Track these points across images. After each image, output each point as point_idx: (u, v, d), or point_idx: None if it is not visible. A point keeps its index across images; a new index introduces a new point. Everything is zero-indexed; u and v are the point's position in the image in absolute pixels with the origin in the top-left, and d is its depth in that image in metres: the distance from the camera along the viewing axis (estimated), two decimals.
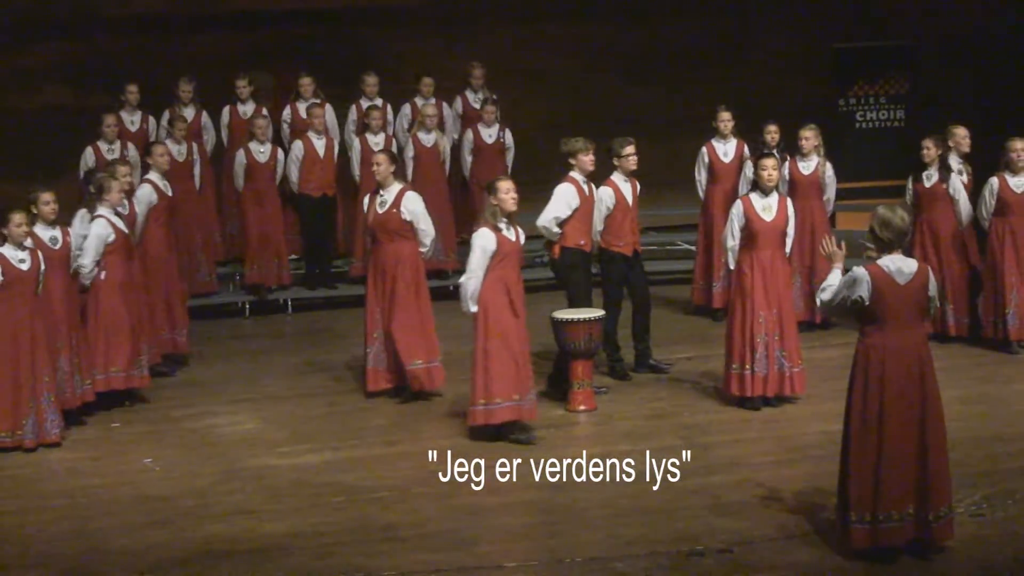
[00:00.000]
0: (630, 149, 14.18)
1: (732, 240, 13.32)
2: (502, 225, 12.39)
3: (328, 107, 18.09)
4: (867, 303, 9.45)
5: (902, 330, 9.49)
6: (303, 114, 18.01)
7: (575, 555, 9.94)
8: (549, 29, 20.75)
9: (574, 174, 13.87)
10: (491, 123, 18.18)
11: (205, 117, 18.25)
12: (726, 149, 16.47)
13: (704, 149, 16.55)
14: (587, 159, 13.89)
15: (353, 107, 18.47)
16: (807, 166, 15.80)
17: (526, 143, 18.30)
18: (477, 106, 18.61)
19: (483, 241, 12.33)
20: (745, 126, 16.38)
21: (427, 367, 13.71)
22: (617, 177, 14.19)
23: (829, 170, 15.87)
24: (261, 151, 17.40)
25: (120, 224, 13.75)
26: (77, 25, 19.19)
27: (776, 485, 11.13)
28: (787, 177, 15.95)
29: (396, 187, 13.84)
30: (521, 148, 18.21)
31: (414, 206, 13.82)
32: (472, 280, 12.30)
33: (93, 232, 13.54)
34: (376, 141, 17.49)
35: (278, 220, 17.70)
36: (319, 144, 17.53)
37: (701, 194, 16.67)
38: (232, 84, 18.42)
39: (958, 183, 15.09)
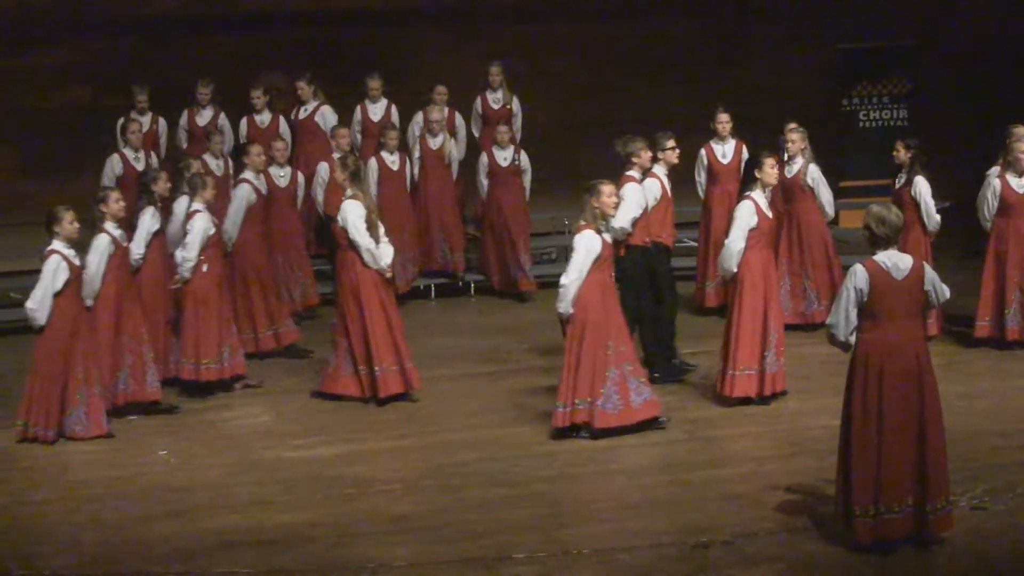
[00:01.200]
0: (671, 143, 14.30)
1: (743, 243, 13.20)
2: (602, 227, 12.39)
3: (326, 108, 17.95)
4: (865, 298, 9.56)
5: (899, 325, 9.58)
6: (301, 115, 17.91)
7: (582, 547, 10.04)
8: (556, 30, 20.83)
9: (632, 173, 13.83)
10: (505, 145, 17.55)
11: (223, 118, 17.98)
12: (724, 150, 16.37)
13: (703, 151, 16.44)
14: (647, 156, 13.92)
15: (358, 108, 18.22)
16: (791, 168, 15.67)
17: (535, 143, 18.24)
18: (496, 107, 18.28)
19: (589, 243, 12.24)
20: (750, 125, 16.39)
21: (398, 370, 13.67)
22: (659, 170, 14.25)
23: (814, 172, 15.60)
24: (281, 175, 16.43)
25: (215, 219, 14.08)
26: (96, 25, 19.27)
27: (780, 478, 11.23)
28: (704, 163, 16.26)
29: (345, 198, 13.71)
30: (530, 147, 17.97)
31: (345, 215, 13.57)
32: (576, 282, 12.21)
33: (197, 226, 13.78)
34: (392, 160, 17.22)
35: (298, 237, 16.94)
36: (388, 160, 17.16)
37: (701, 195, 16.62)
38: (248, 84, 18.35)
39: (923, 187, 15.07)
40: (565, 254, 18.80)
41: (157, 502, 11.25)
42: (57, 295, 12.56)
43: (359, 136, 18.03)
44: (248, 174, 15.33)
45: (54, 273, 12.55)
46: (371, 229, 13.52)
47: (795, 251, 15.77)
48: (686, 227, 17.20)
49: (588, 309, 12.25)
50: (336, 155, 16.10)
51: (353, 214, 13.46)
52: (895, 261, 9.62)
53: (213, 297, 13.96)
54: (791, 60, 20.90)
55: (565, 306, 12.28)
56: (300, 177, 16.84)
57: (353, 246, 13.47)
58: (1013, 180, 14.72)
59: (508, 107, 18.26)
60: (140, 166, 16.72)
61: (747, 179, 13.48)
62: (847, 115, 20.11)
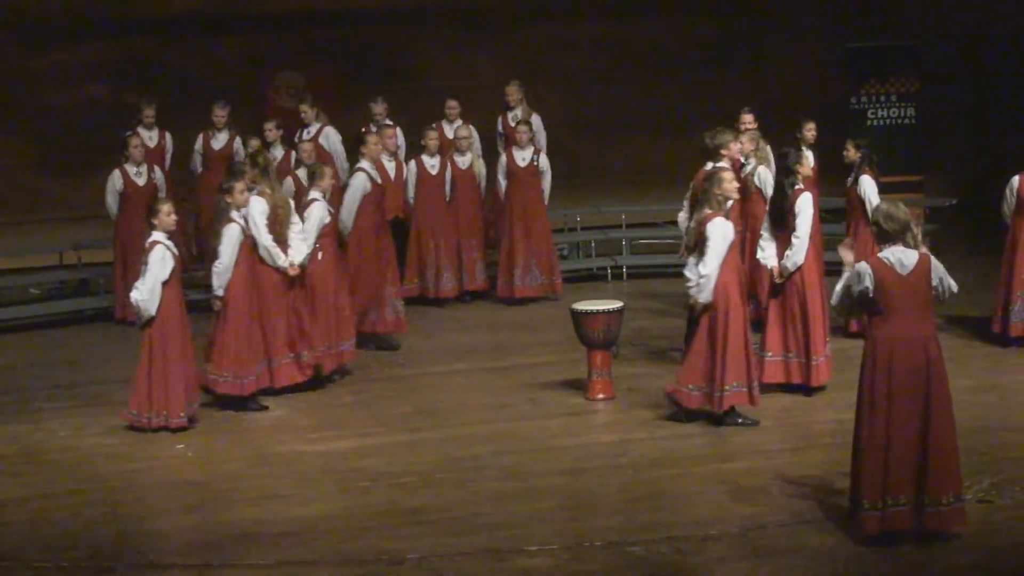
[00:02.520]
0: (729, 136, 14.43)
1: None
2: (727, 213, 12.50)
3: (330, 128, 17.67)
4: (871, 295, 9.63)
5: (907, 320, 9.65)
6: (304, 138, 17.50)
7: (594, 539, 10.11)
8: (571, 29, 20.89)
9: (723, 164, 13.84)
10: (524, 145, 17.38)
11: (238, 143, 17.58)
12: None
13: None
14: (736, 148, 14.03)
15: (364, 130, 17.60)
16: (744, 169, 15.50)
17: (550, 140, 18.33)
18: (515, 124, 17.94)
19: (724, 230, 12.33)
20: (759, 124, 16.38)
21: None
22: (726, 165, 14.36)
23: (763, 174, 15.36)
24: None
25: (331, 209, 14.24)
26: (114, 25, 19.35)
27: (790, 472, 11.30)
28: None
29: None
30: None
31: (248, 210, 13.57)
32: (717, 270, 12.30)
33: (313, 215, 13.96)
34: (432, 164, 17.14)
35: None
36: (390, 166, 16.92)
37: None
38: (265, 81, 18.34)
39: (867, 187, 15.07)
40: (576, 251, 19.06)
41: (174, 495, 11.36)
42: (164, 284, 12.73)
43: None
44: (364, 164, 15.39)
45: (161, 263, 12.71)
46: (278, 226, 13.66)
47: (747, 250, 15.85)
48: None
49: (729, 294, 12.40)
50: (384, 158, 16.17)
51: (255, 210, 13.60)
52: (899, 257, 9.68)
53: (329, 284, 14.14)
54: (800, 59, 20.96)
55: (707, 295, 12.37)
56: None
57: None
58: None
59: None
60: (142, 181, 16.68)
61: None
62: (856, 113, 20.17)
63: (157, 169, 17.12)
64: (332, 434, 12.80)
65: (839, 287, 9.88)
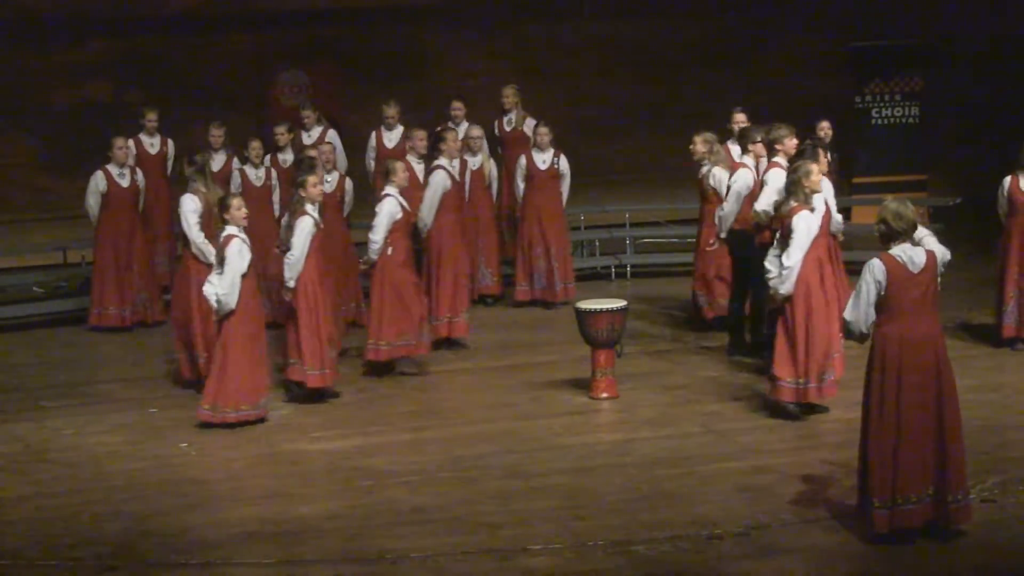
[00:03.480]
0: (760, 136, 14.45)
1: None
2: (814, 206, 12.57)
3: (332, 132, 17.49)
4: (882, 292, 9.63)
5: (916, 318, 9.66)
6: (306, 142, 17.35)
7: (597, 538, 10.11)
8: (566, 28, 20.91)
9: (778, 159, 13.87)
10: (545, 147, 17.09)
11: (236, 163, 17.10)
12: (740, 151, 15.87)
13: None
14: (791, 144, 13.95)
15: (373, 134, 17.72)
16: (701, 171, 15.70)
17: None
18: (508, 128, 17.84)
19: (810, 223, 12.38)
20: (765, 122, 16.33)
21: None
22: (749, 160, 14.34)
23: (718, 175, 15.36)
24: (327, 180, 15.71)
25: (405, 204, 14.28)
26: (117, 24, 19.37)
27: (794, 470, 11.32)
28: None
29: None
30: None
31: (180, 208, 14.10)
32: (800, 262, 12.34)
33: (384, 210, 14.08)
34: (452, 165, 16.43)
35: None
36: (419, 168, 16.41)
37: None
38: (268, 81, 18.29)
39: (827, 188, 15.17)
40: (579, 250, 19.04)
41: (177, 494, 11.35)
42: (242, 277, 12.85)
43: (372, 163, 17.56)
44: (443, 161, 15.39)
45: (239, 255, 12.83)
46: (215, 223, 13.69)
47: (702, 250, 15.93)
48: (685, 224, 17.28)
49: (811, 286, 12.47)
50: (410, 157, 16.00)
51: (187, 208, 13.89)
52: (911, 255, 9.70)
53: (402, 279, 14.22)
54: (805, 58, 20.99)
55: (789, 287, 12.39)
56: (348, 183, 16.38)
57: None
58: None
59: (520, 129, 17.77)
60: (125, 182, 16.55)
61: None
62: (860, 112, 20.19)
63: (139, 171, 16.90)
64: (335, 433, 12.80)
65: (851, 302, 9.82)
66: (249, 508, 10.99)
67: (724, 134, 16.12)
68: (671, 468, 11.60)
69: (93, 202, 16.64)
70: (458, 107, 17.88)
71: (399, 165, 14.50)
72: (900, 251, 9.71)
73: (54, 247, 18.49)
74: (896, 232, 9.75)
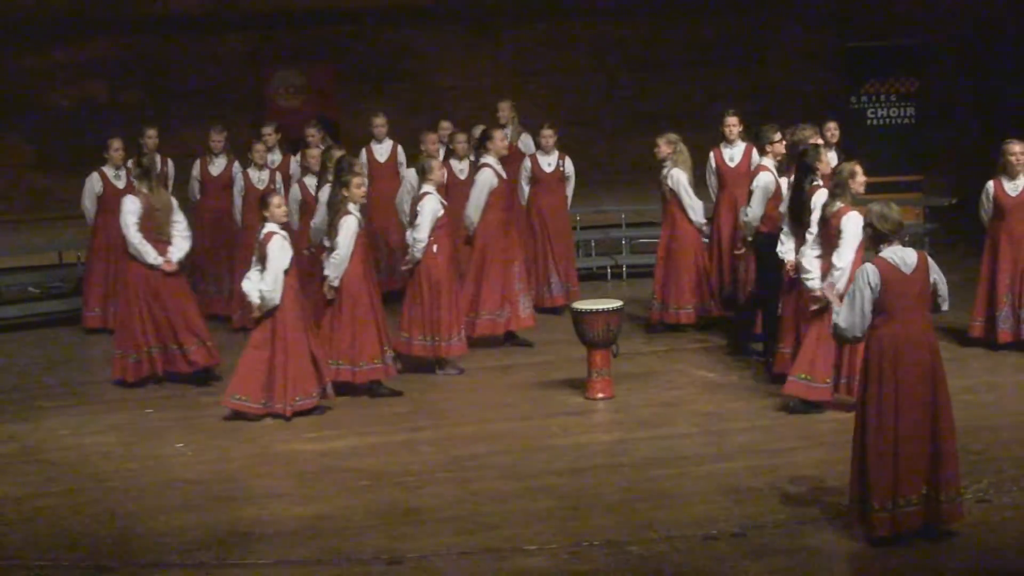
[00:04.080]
0: (778, 136, 14.56)
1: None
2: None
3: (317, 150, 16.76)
4: (876, 295, 9.61)
5: (911, 318, 9.66)
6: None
7: (593, 539, 10.11)
8: (568, 27, 20.89)
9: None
10: (549, 150, 17.09)
11: (236, 168, 17.15)
12: (732, 154, 16.13)
13: (711, 154, 16.25)
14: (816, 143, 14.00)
15: (364, 151, 17.52)
16: (662, 173, 15.86)
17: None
18: (505, 142, 17.13)
19: (858, 223, 12.27)
20: (759, 123, 16.32)
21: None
22: (769, 161, 14.37)
23: (678, 177, 15.64)
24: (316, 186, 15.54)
25: (444, 202, 14.36)
26: (113, 24, 19.35)
27: (789, 471, 11.32)
28: (713, 167, 16.17)
29: None
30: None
31: (120, 208, 14.33)
32: (852, 263, 12.43)
33: (426, 208, 14.14)
34: (461, 167, 16.61)
35: None
36: (458, 169, 16.50)
37: (713, 199, 16.40)
38: (264, 81, 18.22)
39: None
40: (578, 249, 19.03)
41: (173, 495, 11.34)
42: (285, 273, 13.03)
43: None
44: (490, 159, 15.38)
45: (281, 251, 13.01)
46: (157, 225, 14.11)
47: (666, 250, 15.93)
48: None
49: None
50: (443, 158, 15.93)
51: (127, 209, 14.12)
52: (902, 256, 9.70)
53: (444, 278, 14.26)
54: (800, 58, 20.99)
55: (843, 287, 12.33)
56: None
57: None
58: (1007, 184, 14.68)
59: (515, 144, 17.43)
60: (121, 184, 16.55)
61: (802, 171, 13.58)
62: (855, 113, 20.21)
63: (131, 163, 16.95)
64: (331, 433, 12.80)
65: (844, 308, 9.79)
66: (244, 509, 10.97)
67: (718, 137, 16.10)
68: (667, 468, 11.60)
69: (89, 204, 16.64)
70: (445, 126, 17.62)
71: (435, 163, 14.57)
72: (891, 253, 9.71)
73: (50, 247, 18.50)
74: (883, 234, 9.75)
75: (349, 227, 13.49)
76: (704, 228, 15.79)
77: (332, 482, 11.52)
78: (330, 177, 14.23)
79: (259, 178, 16.65)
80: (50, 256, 18.51)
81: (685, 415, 13.04)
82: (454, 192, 15.96)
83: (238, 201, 16.73)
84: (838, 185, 12.73)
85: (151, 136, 17.20)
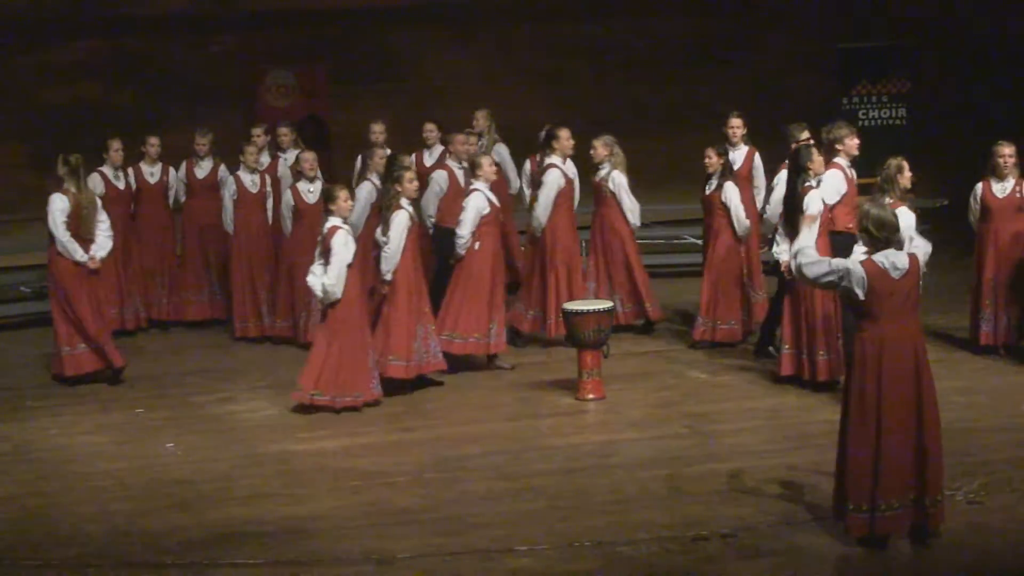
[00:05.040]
0: (807, 134, 14.61)
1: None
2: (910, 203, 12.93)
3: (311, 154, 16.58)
4: (861, 298, 9.59)
5: (897, 322, 9.61)
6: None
7: (584, 539, 10.11)
8: (559, 29, 20.88)
9: (839, 160, 13.92)
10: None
11: (223, 171, 16.98)
12: (735, 157, 15.85)
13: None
14: (852, 143, 14.01)
15: (359, 158, 16.89)
16: (599, 174, 15.78)
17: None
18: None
19: (909, 219, 12.63)
20: (752, 123, 16.29)
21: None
22: (842, 160, 14.26)
23: (617, 179, 15.53)
24: (311, 190, 15.82)
25: (494, 199, 14.42)
26: (107, 24, 19.34)
27: (780, 472, 11.32)
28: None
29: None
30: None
31: (48, 206, 14.50)
32: None
33: (472, 204, 14.24)
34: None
35: None
36: (459, 173, 15.81)
37: None
38: (257, 82, 18.15)
39: (731, 193, 15.10)
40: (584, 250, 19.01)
41: (163, 494, 11.33)
42: (348, 267, 13.18)
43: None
44: (555, 159, 15.36)
45: (345, 246, 13.15)
46: (82, 223, 14.32)
47: (599, 255, 15.86)
48: (690, 223, 17.25)
49: None
50: (451, 162, 15.89)
51: (54, 207, 14.30)
52: (893, 260, 9.64)
53: (485, 275, 14.28)
54: (792, 59, 21.00)
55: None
56: None
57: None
58: (996, 185, 14.65)
59: (490, 154, 16.42)
60: (120, 185, 16.61)
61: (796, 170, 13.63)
62: (847, 114, 20.23)
63: (131, 171, 16.87)
64: (322, 433, 12.80)
65: (826, 266, 9.76)
66: (235, 509, 10.96)
67: (721, 138, 16.00)
68: (657, 469, 11.60)
69: None
70: (430, 128, 17.26)
71: (486, 159, 14.58)
72: (883, 257, 9.66)
73: (42, 247, 18.45)
74: (878, 240, 9.71)
75: (401, 221, 13.61)
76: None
77: (323, 482, 11.52)
78: (366, 175, 14.84)
79: (252, 181, 16.50)
80: (40, 256, 18.44)
81: (676, 416, 13.05)
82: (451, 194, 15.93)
83: (229, 206, 16.51)
84: (886, 180, 12.89)
85: (153, 144, 17.01)
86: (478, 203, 14.30)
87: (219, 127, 17.55)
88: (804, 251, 9.89)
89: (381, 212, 13.88)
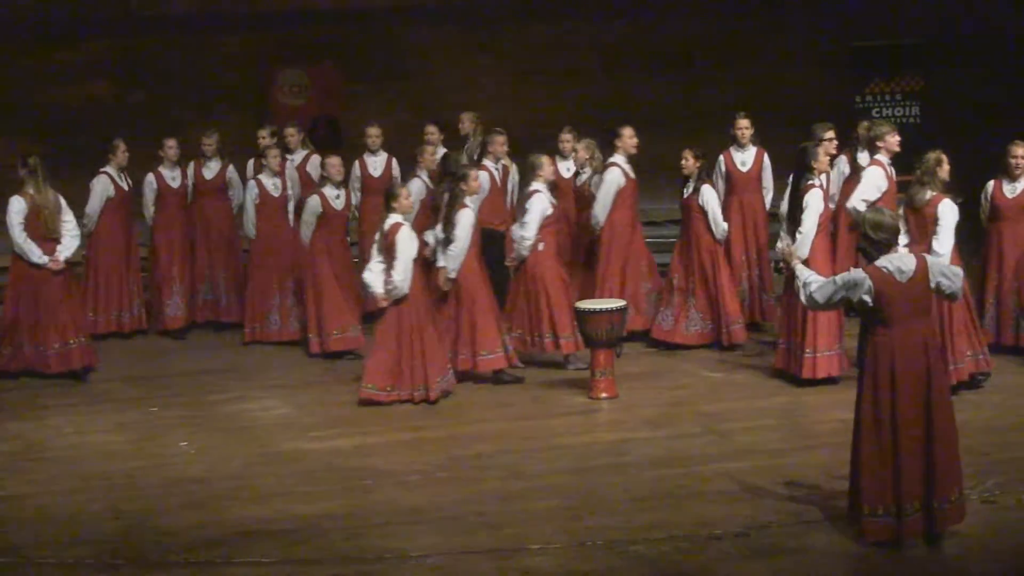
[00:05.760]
0: (831, 134, 14.69)
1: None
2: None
3: (316, 157, 16.74)
4: (870, 304, 9.58)
5: (908, 326, 9.58)
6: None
7: (596, 538, 10.11)
8: (564, 27, 20.89)
9: (880, 157, 14.02)
10: (568, 155, 16.37)
11: (231, 172, 16.99)
12: (744, 158, 15.86)
13: (721, 158, 15.93)
14: (893, 140, 14.10)
15: (356, 163, 17.01)
16: (581, 177, 15.75)
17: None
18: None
19: (955, 210, 12.97)
20: (762, 122, 16.25)
21: None
22: (883, 158, 14.28)
23: (598, 182, 15.34)
24: (338, 196, 15.57)
25: (553, 199, 14.49)
26: (116, 23, 19.37)
27: (793, 471, 11.31)
28: (723, 171, 15.89)
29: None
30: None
31: (7, 208, 14.62)
32: (951, 250, 12.89)
33: (535, 206, 14.25)
34: (497, 167, 16.21)
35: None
36: (496, 170, 16.09)
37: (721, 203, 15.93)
38: (268, 80, 18.16)
39: (709, 195, 14.96)
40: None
41: (177, 493, 11.35)
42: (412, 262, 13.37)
43: (358, 193, 16.79)
44: (617, 158, 15.34)
45: (410, 241, 13.33)
46: (43, 224, 14.40)
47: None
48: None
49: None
50: (488, 162, 15.92)
51: (12, 209, 14.45)
52: (898, 264, 9.62)
53: (550, 276, 14.37)
54: (805, 57, 20.98)
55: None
56: (354, 198, 16.21)
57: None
58: (1007, 185, 14.65)
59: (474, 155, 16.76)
60: (125, 186, 16.54)
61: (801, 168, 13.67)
62: (860, 112, 20.19)
63: (153, 177, 16.74)
64: (335, 432, 12.82)
65: (832, 286, 9.79)
66: (249, 507, 10.98)
67: (721, 131, 16.02)
68: (670, 468, 11.60)
69: (99, 206, 16.49)
70: (431, 131, 16.99)
71: (546, 159, 14.58)
72: (887, 261, 9.63)
73: None
74: (878, 244, 9.69)
75: (467, 219, 13.77)
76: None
77: (335, 481, 11.52)
78: (417, 173, 15.22)
79: (274, 184, 16.25)
80: None
81: (689, 415, 13.05)
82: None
83: (251, 210, 16.18)
84: (926, 173, 13.05)
85: (171, 146, 16.74)
86: (542, 204, 14.30)
87: (230, 128, 17.56)
88: (808, 282, 9.96)
89: (441, 210, 14.00)
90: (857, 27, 20.97)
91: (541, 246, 14.31)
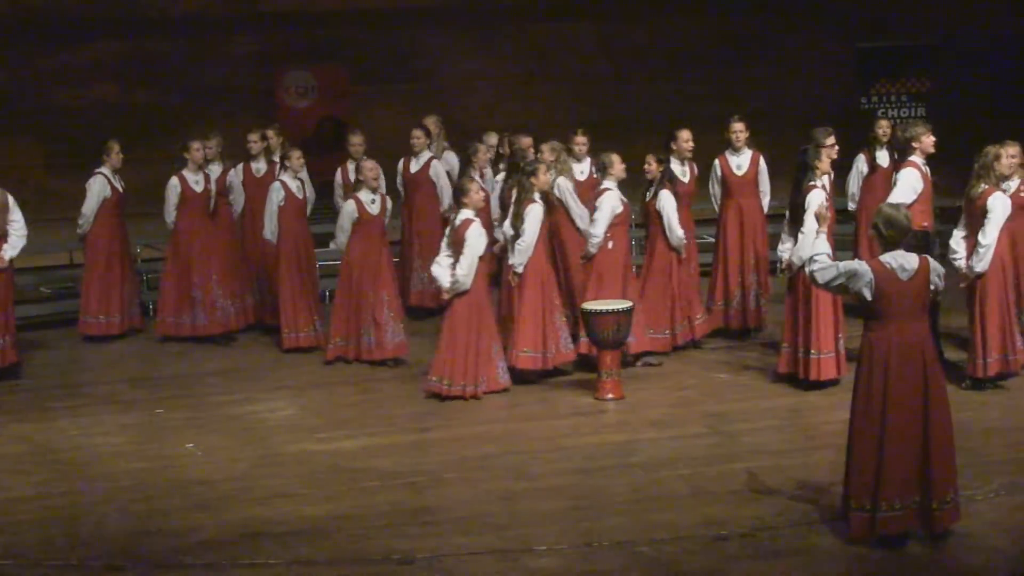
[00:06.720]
0: (831, 140, 14.60)
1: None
2: (1005, 189, 13.24)
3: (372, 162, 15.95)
4: (869, 299, 9.59)
5: (905, 323, 9.59)
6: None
7: (603, 539, 10.11)
8: (571, 28, 20.92)
9: (915, 158, 14.04)
10: (581, 158, 16.11)
11: (232, 175, 16.82)
12: (739, 162, 15.67)
13: (717, 162, 15.78)
14: (928, 141, 14.14)
15: (339, 171, 17.03)
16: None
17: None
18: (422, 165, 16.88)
19: (1005, 203, 13.07)
20: (768, 123, 16.26)
21: None
22: (918, 159, 14.25)
23: (563, 185, 14.99)
24: (374, 200, 15.08)
25: (623, 198, 14.50)
26: (122, 25, 19.41)
27: (799, 472, 11.31)
28: (718, 175, 15.79)
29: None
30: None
31: None
32: (995, 243, 13.01)
33: (605, 204, 14.26)
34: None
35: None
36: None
37: (716, 208, 16.07)
38: (274, 81, 18.16)
39: (667, 201, 14.69)
40: None
41: (183, 494, 11.36)
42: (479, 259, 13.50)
43: (340, 200, 16.45)
44: (673, 160, 15.31)
45: (480, 238, 13.45)
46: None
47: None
48: (704, 224, 17.23)
49: (1006, 262, 13.27)
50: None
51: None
52: (901, 262, 9.62)
53: (616, 272, 14.34)
54: (811, 59, 21.00)
55: (984, 265, 13.03)
56: (390, 202, 15.51)
57: None
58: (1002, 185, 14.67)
59: (594, 176, 15.94)
60: (120, 187, 16.49)
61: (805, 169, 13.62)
62: (866, 113, 20.22)
63: (176, 180, 16.39)
64: (341, 433, 12.82)
65: (835, 271, 9.78)
66: (254, 509, 10.99)
67: (723, 143, 15.90)
68: (676, 469, 11.60)
69: (96, 206, 16.47)
70: (417, 134, 16.95)
71: (615, 157, 14.53)
72: (891, 258, 9.64)
73: (60, 248, 18.52)
74: (886, 239, 9.70)
75: (536, 214, 13.85)
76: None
77: (342, 482, 11.53)
78: (472, 169, 15.40)
79: (297, 186, 15.96)
80: (59, 256, 18.53)
81: (695, 416, 13.05)
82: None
83: (274, 211, 15.79)
84: (983, 167, 13.20)
85: (196, 148, 16.31)
86: (612, 202, 14.28)
87: (237, 129, 17.51)
88: (817, 258, 9.96)
89: (510, 205, 14.05)
90: (862, 28, 20.98)
91: (611, 244, 14.30)
